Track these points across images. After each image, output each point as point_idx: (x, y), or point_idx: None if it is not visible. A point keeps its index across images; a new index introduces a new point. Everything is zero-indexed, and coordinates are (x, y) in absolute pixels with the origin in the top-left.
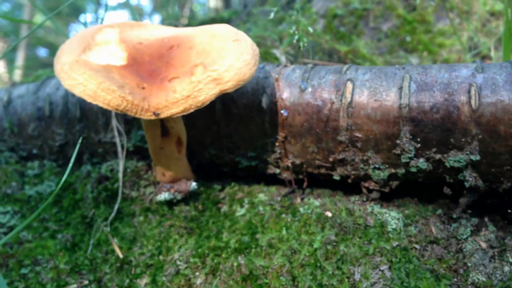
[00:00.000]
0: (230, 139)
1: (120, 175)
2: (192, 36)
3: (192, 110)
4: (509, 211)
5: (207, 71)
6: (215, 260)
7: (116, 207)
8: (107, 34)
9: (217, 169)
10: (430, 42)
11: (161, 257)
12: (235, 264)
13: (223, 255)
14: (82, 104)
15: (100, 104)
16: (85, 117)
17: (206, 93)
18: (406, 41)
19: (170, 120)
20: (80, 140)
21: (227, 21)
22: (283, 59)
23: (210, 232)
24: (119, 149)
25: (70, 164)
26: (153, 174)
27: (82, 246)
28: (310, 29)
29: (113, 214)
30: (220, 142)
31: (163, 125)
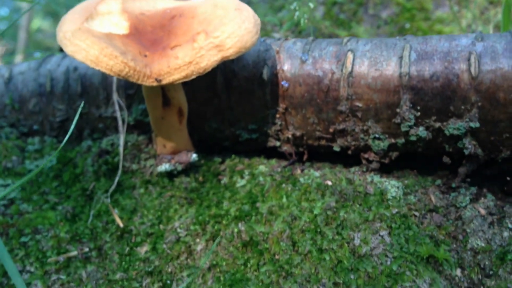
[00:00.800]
0: (231, 111)
1: (121, 148)
2: (194, 6)
3: (194, 76)
4: (508, 178)
5: (209, 38)
6: (216, 227)
7: (116, 179)
8: (109, 5)
9: (217, 143)
10: (429, 29)
11: (161, 226)
12: (236, 230)
13: (224, 222)
14: (83, 80)
15: (103, 70)
16: (86, 93)
17: (208, 59)
18: (405, 28)
19: (171, 89)
20: (79, 111)
21: None
22: None
23: (211, 202)
24: (120, 123)
25: (68, 135)
26: (154, 147)
27: (83, 216)
28: (316, 15)
29: (113, 186)
30: (221, 115)
31: (164, 95)
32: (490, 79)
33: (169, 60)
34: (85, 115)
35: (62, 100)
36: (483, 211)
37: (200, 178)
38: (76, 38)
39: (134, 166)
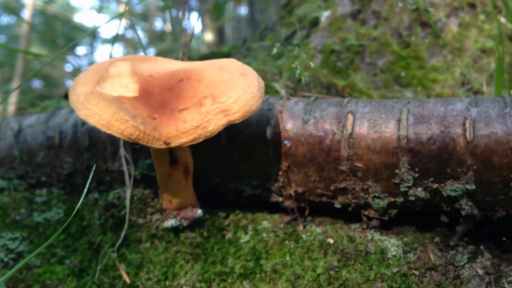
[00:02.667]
0: (235, 168)
1: (127, 202)
2: (201, 69)
3: (201, 140)
4: (503, 239)
5: (216, 103)
6: (221, 285)
7: (123, 233)
8: (119, 67)
9: (221, 197)
10: (424, 77)
11: (167, 283)
12: None
13: (229, 280)
14: (91, 134)
15: (114, 133)
16: (94, 146)
17: (215, 124)
18: (400, 76)
19: (178, 149)
20: (93, 168)
21: (227, 55)
22: (283, 92)
23: (216, 258)
24: (127, 176)
25: (84, 192)
26: (160, 202)
27: (90, 271)
28: (312, 64)
29: (120, 240)
30: (225, 171)
31: (171, 154)
32: (485, 144)
33: (178, 124)
34: (91, 168)
35: (70, 153)
36: (480, 271)
37: (205, 233)
38: (89, 103)
39: (140, 220)
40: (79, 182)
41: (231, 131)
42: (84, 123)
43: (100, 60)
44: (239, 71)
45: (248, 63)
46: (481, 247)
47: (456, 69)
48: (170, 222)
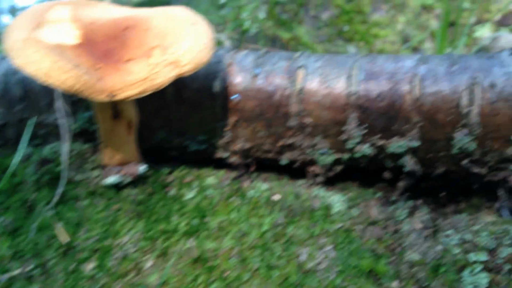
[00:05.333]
0: (181, 123)
1: (65, 157)
2: (148, 17)
3: (148, 93)
4: (440, 194)
5: (165, 54)
6: (166, 243)
7: (59, 190)
8: (59, 12)
9: (165, 153)
10: (366, 32)
11: (108, 241)
12: (185, 247)
13: (174, 238)
14: (25, 83)
15: (54, 84)
16: (27, 97)
17: (163, 76)
18: (344, 30)
19: (122, 102)
20: (32, 122)
21: (167, 3)
22: (227, 43)
23: (159, 215)
24: (64, 130)
25: (21, 147)
26: (100, 157)
27: (24, 231)
28: (260, 15)
29: (56, 198)
30: (170, 126)
31: (114, 107)
32: (431, 101)
33: (123, 75)
34: (25, 120)
35: (0, 104)
36: (419, 225)
37: (148, 190)
38: (26, 50)
39: (79, 177)
40: (10, 136)
41: (178, 84)
42: (16, 71)
43: (36, 3)
44: (190, 20)
45: None
46: (420, 202)
47: (398, 25)
48: (111, 179)
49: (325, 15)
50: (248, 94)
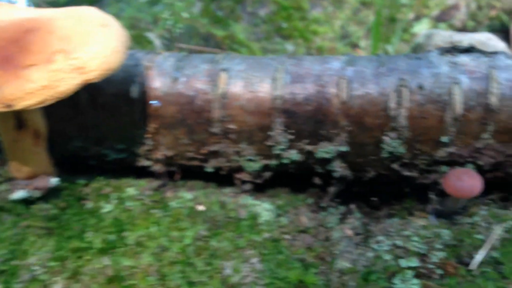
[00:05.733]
0: (97, 130)
1: None
2: (53, 19)
3: (52, 102)
4: (372, 198)
5: (69, 59)
6: (77, 263)
7: None
8: None
9: (82, 162)
10: (305, 29)
11: (15, 262)
12: (99, 265)
13: (86, 257)
14: None
15: None
16: None
17: (68, 83)
18: (282, 27)
19: (26, 111)
20: None
21: (93, 2)
22: (157, 43)
23: (73, 231)
24: None
25: None
26: (8, 170)
27: None
28: (186, 14)
29: None
30: (86, 134)
31: (17, 116)
32: (359, 104)
33: (22, 83)
34: None
35: None
36: (349, 232)
37: (62, 204)
38: None
39: None
40: None
41: (92, 89)
42: None
43: None
44: (99, 21)
45: (121, 10)
46: (353, 206)
47: (337, 21)
48: (18, 194)
49: (263, 12)
50: (168, 99)
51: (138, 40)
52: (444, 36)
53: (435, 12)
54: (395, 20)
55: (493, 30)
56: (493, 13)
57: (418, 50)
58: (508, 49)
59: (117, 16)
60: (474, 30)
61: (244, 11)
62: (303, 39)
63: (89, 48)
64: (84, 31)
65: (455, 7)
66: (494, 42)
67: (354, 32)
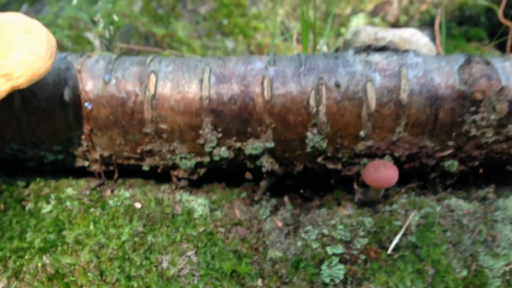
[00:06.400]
0: (33, 133)
1: None
2: None
3: None
4: (301, 191)
5: None
6: (18, 263)
7: None
8: None
9: (21, 164)
10: (246, 26)
11: None
12: (40, 264)
13: (26, 256)
14: None
15: None
16: None
17: None
18: (223, 24)
19: None
20: None
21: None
22: (96, 43)
23: (13, 232)
24: None
25: None
26: None
27: None
28: (115, 17)
29: None
30: (22, 137)
31: None
32: (281, 103)
33: None
34: None
35: None
36: (280, 223)
37: (1, 206)
38: None
39: None
40: None
41: (25, 93)
42: None
43: None
44: (23, 28)
45: (62, 8)
46: (286, 198)
47: (277, 17)
48: None
49: (203, 9)
50: (101, 102)
51: (77, 40)
52: (370, 33)
53: (370, 7)
54: (333, 15)
55: (423, 24)
56: (424, 7)
57: (346, 46)
58: (432, 44)
59: (57, 15)
60: (406, 24)
61: (185, 8)
62: (243, 36)
63: (14, 55)
64: (8, 38)
65: (388, 2)
66: (417, 37)
67: (293, 28)
